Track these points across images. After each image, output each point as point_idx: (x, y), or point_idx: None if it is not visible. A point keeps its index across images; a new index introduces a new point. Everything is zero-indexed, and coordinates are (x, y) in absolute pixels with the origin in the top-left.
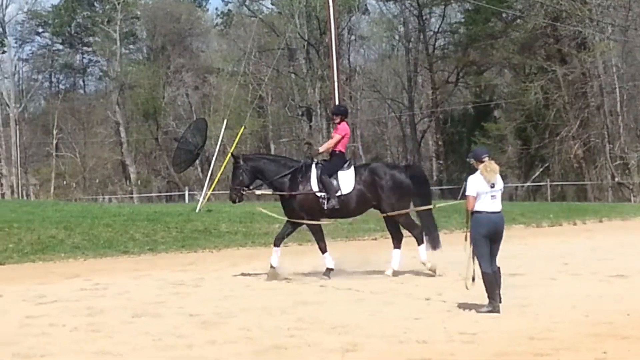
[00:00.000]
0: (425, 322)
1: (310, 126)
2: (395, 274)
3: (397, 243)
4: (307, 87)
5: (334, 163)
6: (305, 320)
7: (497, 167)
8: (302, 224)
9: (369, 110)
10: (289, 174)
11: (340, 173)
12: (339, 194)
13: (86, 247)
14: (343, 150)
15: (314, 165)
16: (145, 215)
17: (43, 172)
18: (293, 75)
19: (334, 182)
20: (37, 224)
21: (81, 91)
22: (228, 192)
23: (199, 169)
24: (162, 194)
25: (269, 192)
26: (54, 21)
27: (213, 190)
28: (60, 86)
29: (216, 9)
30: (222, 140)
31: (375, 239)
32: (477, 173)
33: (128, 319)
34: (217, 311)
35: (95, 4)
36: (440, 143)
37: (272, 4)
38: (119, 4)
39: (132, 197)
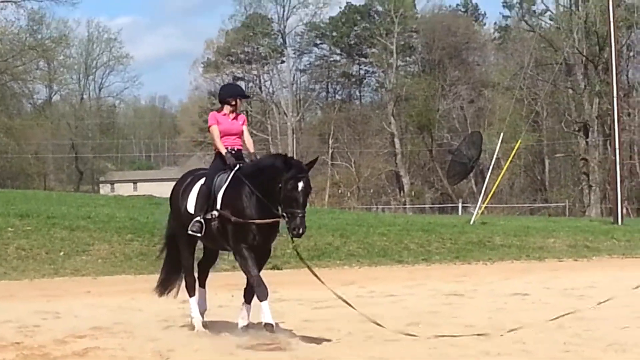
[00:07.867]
0: None
1: (587, 142)
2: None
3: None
4: (584, 103)
5: None
6: (582, 336)
7: None
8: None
9: None
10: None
11: None
12: None
13: (361, 255)
14: None
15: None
16: (419, 226)
17: (318, 180)
18: (570, 91)
19: None
20: (314, 231)
21: (357, 102)
22: (497, 205)
23: (473, 182)
24: (435, 206)
25: None
26: (332, 33)
27: (487, 204)
28: (337, 96)
29: (494, 23)
30: (497, 154)
31: None
32: None
33: (403, 327)
34: (491, 323)
35: (374, 16)
36: None
37: (550, 19)
38: (396, 17)
39: (405, 208)
